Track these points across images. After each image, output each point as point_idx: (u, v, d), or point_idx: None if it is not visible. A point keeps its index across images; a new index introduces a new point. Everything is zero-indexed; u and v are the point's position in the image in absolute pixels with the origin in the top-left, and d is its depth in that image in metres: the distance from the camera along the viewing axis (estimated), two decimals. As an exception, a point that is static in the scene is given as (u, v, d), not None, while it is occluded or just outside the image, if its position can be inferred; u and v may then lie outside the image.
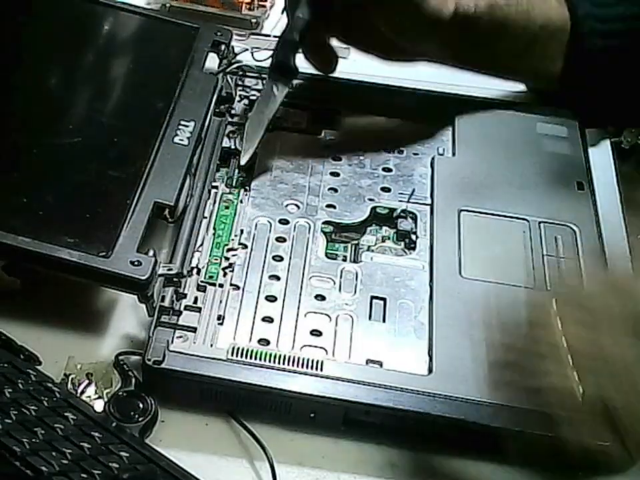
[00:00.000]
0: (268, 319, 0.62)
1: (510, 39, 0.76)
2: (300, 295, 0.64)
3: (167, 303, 0.61)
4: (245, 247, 0.67)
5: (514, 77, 0.81)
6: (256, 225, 0.68)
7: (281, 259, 0.66)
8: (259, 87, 0.79)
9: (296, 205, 0.70)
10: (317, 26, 0.74)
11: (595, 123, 0.80)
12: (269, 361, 0.59)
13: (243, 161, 0.71)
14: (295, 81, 0.79)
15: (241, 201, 0.70)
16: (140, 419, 0.58)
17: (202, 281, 0.64)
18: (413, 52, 0.77)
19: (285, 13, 0.75)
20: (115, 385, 0.60)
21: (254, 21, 0.89)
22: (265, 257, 0.66)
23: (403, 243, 0.70)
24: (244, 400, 0.59)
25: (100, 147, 0.68)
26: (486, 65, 0.79)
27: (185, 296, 0.63)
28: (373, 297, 0.64)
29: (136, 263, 0.59)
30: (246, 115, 0.76)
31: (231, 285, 0.64)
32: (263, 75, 0.78)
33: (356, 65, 0.84)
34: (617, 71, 0.77)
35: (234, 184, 0.72)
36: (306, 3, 0.72)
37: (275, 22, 0.88)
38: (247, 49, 0.80)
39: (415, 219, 0.71)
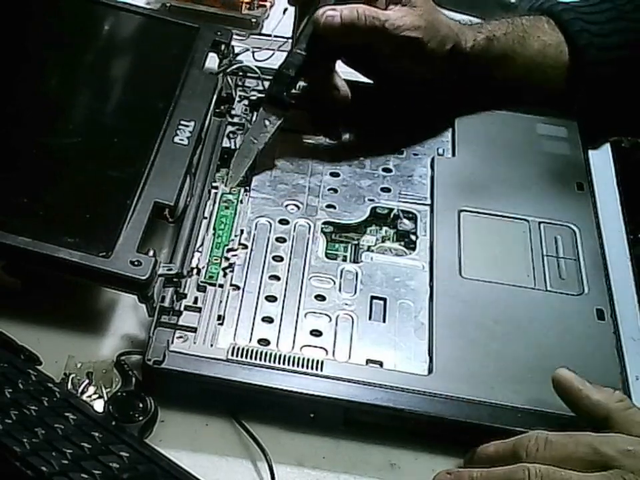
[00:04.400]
0: (268, 319, 0.62)
1: (510, 67, 0.77)
2: (300, 295, 0.64)
3: (167, 303, 0.61)
4: (245, 247, 0.67)
5: (517, 103, 0.81)
6: (256, 225, 0.68)
7: (281, 259, 0.66)
8: (259, 87, 0.79)
9: (296, 205, 0.70)
10: (315, 63, 0.74)
11: (598, 134, 0.80)
12: (269, 361, 0.59)
13: (227, 188, 0.71)
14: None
15: (241, 201, 0.70)
16: (140, 419, 0.58)
17: (202, 281, 0.64)
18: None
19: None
20: (115, 384, 0.60)
21: (254, 20, 0.89)
22: (265, 257, 0.66)
23: (403, 243, 0.70)
24: (244, 400, 0.59)
25: (100, 146, 0.69)
26: (489, 92, 0.79)
27: (185, 296, 0.63)
28: (373, 297, 0.64)
29: (136, 263, 0.59)
30: (245, 116, 0.77)
31: (231, 285, 0.64)
32: (263, 76, 0.78)
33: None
34: (620, 84, 0.78)
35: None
36: (305, 40, 0.72)
37: (275, 22, 0.88)
38: (247, 49, 0.80)
39: (414, 219, 0.71)
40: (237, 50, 0.79)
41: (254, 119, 0.75)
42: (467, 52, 0.76)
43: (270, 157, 0.74)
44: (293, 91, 0.74)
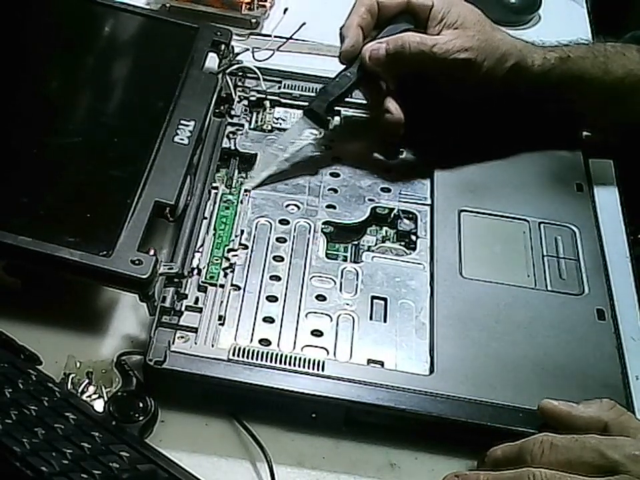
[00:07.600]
0: (269, 319, 0.62)
1: (586, 92, 0.75)
2: (301, 295, 0.64)
3: (167, 304, 0.61)
4: (246, 247, 0.67)
5: (591, 131, 0.79)
6: (256, 226, 0.68)
7: (282, 259, 0.66)
8: (259, 87, 0.79)
9: (296, 206, 0.70)
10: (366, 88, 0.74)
11: None
12: (270, 361, 0.59)
13: (248, 186, 0.71)
14: (295, 81, 0.80)
15: (241, 202, 0.70)
16: (140, 419, 0.57)
17: (203, 282, 0.64)
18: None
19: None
20: (115, 384, 0.60)
21: (254, 20, 0.89)
22: (266, 257, 0.66)
23: (403, 243, 0.70)
24: (245, 400, 0.59)
25: (100, 146, 0.68)
26: (561, 117, 0.77)
27: (185, 296, 0.63)
28: (373, 297, 0.64)
29: (137, 262, 0.59)
30: (245, 117, 0.77)
31: (232, 285, 0.64)
32: (264, 77, 0.78)
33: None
34: None
35: (234, 184, 0.72)
36: (357, 66, 0.72)
37: (275, 22, 0.88)
38: (247, 49, 0.80)
39: (415, 219, 0.71)
40: (236, 50, 0.79)
41: (290, 124, 0.75)
42: (534, 70, 0.74)
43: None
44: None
